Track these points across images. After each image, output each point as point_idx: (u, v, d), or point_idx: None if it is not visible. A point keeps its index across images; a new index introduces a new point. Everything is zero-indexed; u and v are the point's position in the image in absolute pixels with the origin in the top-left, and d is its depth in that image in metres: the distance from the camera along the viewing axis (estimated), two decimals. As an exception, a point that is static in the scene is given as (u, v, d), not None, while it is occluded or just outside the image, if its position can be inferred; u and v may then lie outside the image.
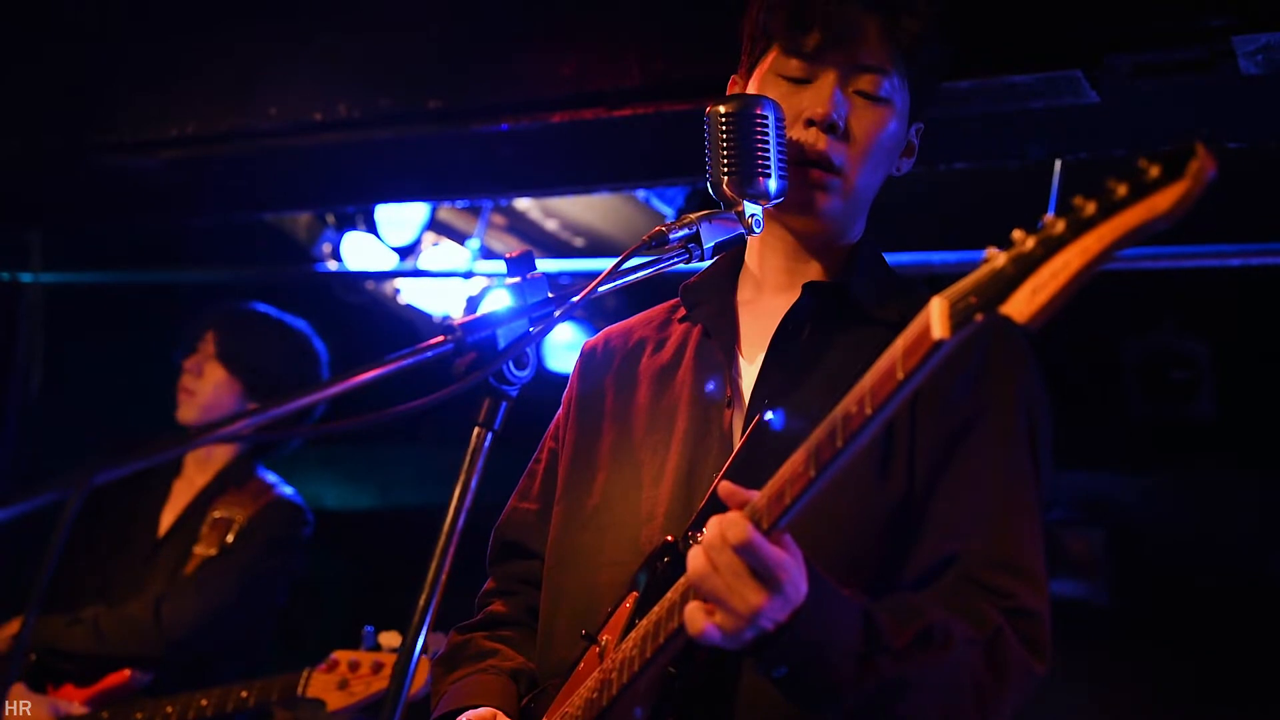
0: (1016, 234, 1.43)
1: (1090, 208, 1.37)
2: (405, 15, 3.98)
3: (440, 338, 1.62)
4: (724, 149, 2.00)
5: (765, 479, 1.85)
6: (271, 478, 4.33)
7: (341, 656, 3.50)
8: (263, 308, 4.48)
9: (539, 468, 2.40)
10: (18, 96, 4.64)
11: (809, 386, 2.08)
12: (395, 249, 5.57)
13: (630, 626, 1.96)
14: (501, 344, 1.63)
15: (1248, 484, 5.51)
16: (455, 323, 1.64)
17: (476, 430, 1.64)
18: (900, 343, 1.54)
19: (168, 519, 4.24)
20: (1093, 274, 1.38)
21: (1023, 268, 1.41)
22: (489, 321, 1.65)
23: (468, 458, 1.64)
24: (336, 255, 5.69)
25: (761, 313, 2.22)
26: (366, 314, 6.22)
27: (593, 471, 2.25)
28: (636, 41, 3.65)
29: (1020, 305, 1.41)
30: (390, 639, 3.50)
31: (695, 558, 1.73)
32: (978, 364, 2.06)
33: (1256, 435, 5.32)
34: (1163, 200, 1.34)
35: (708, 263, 2.11)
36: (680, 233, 1.93)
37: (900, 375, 1.53)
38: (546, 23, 3.82)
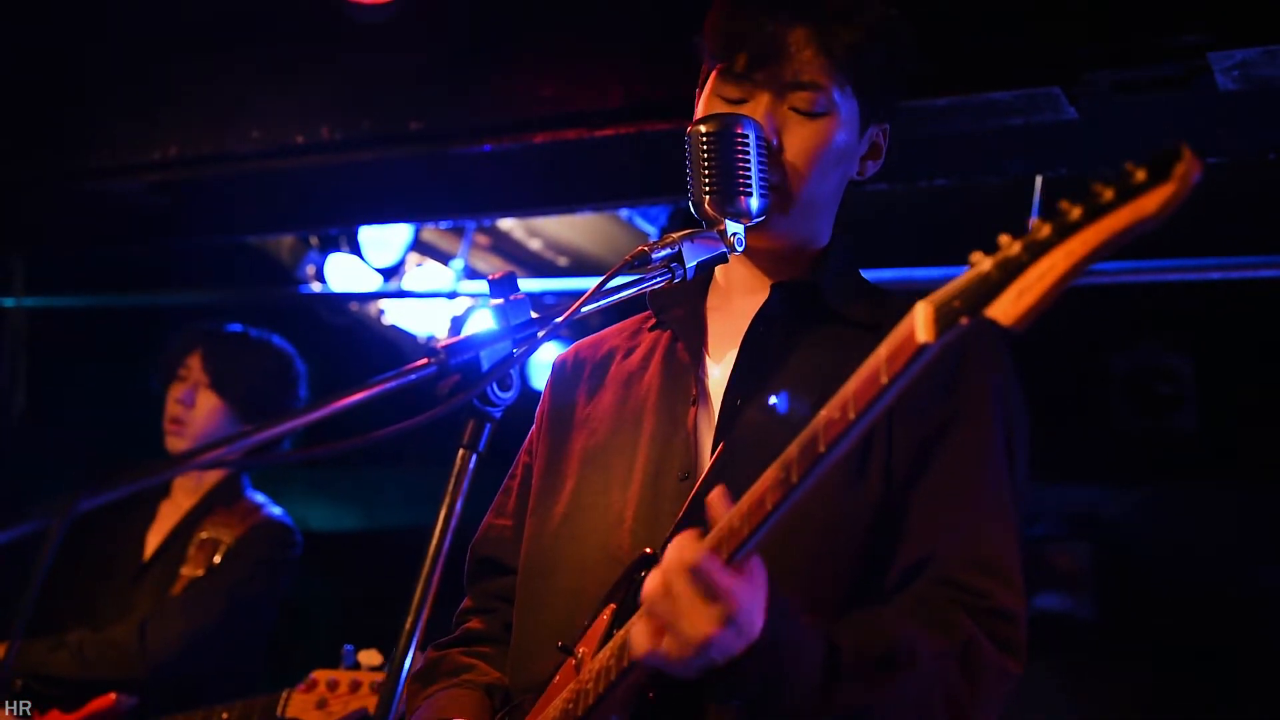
0: (1003, 239, 1.43)
1: (1076, 212, 1.38)
2: (386, 38, 3.99)
3: (424, 360, 1.62)
4: (705, 168, 2.01)
5: (741, 476, 1.86)
6: (260, 498, 4.30)
7: (320, 676, 3.49)
8: (241, 327, 4.44)
9: (514, 484, 2.40)
10: (1, 121, 4.64)
11: (781, 384, 2.09)
12: (379, 270, 5.57)
13: (608, 638, 1.95)
14: (485, 366, 1.63)
15: (1232, 497, 5.52)
16: (439, 345, 1.64)
17: (461, 452, 1.64)
18: (884, 348, 1.54)
19: (154, 541, 4.21)
20: (1079, 276, 1.39)
21: (1008, 271, 1.41)
22: (472, 343, 1.65)
23: (452, 479, 1.64)
24: (320, 277, 5.69)
25: (730, 315, 2.23)
26: (351, 335, 6.21)
27: (562, 480, 2.25)
28: (617, 62, 3.67)
29: (1006, 308, 1.41)
30: (369, 657, 3.49)
31: (651, 579, 1.73)
32: (953, 369, 2.06)
33: (1240, 448, 5.34)
34: (1149, 203, 1.35)
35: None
36: (663, 252, 1.93)
37: (884, 380, 1.53)
38: (527, 45, 3.83)
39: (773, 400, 2.09)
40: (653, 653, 1.72)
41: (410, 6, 3.85)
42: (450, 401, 1.60)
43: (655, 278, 1.91)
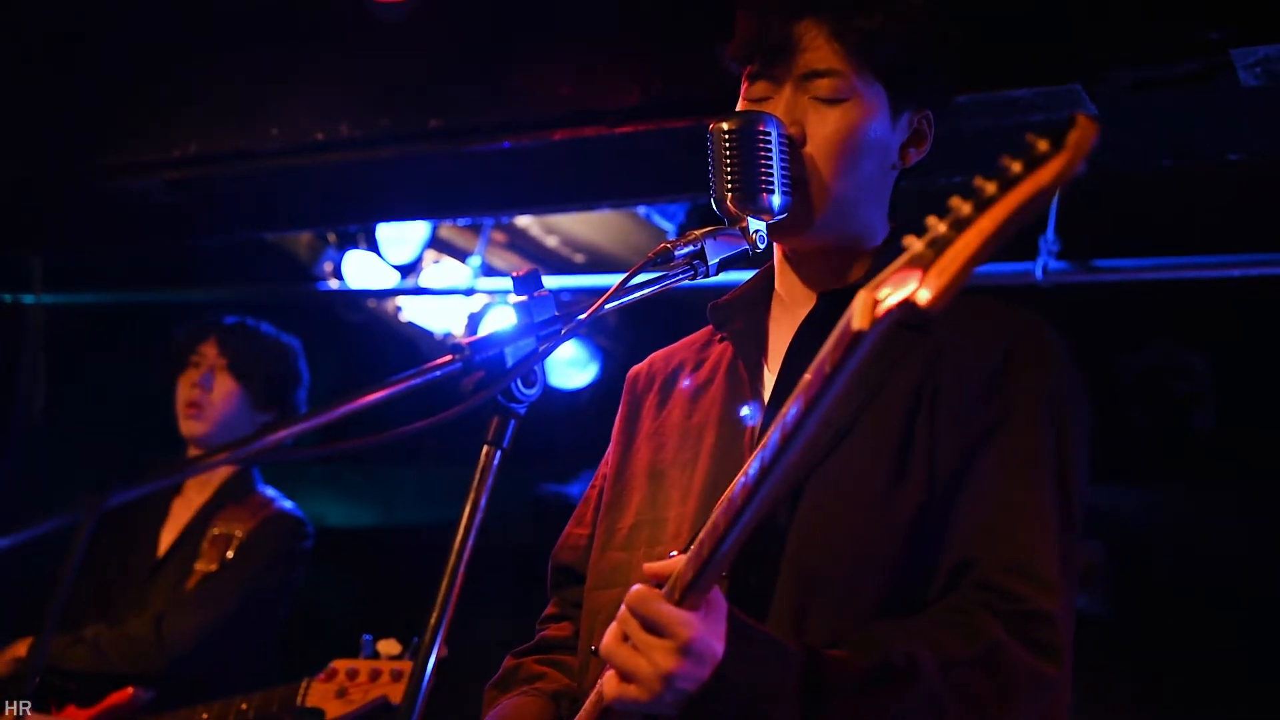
0: (930, 220, 1.43)
1: (990, 188, 1.38)
2: (405, 36, 3.99)
3: (449, 356, 1.62)
4: (727, 165, 2.00)
5: None
6: (271, 492, 4.32)
7: (340, 665, 3.50)
8: (253, 320, 4.48)
9: (593, 494, 2.40)
10: (19, 119, 4.66)
11: None
12: (396, 267, 5.58)
13: None
14: (509, 362, 1.64)
15: (1248, 496, 5.50)
16: (463, 341, 1.64)
17: (485, 448, 1.64)
18: (830, 338, 1.54)
19: (168, 538, 4.23)
20: (992, 251, 1.38)
21: (936, 251, 1.41)
22: (496, 340, 1.65)
23: (477, 475, 1.64)
24: (338, 274, 5.70)
25: (785, 326, 2.22)
26: (368, 332, 6.22)
27: (629, 494, 2.26)
28: (636, 60, 3.67)
29: (926, 290, 1.41)
30: (388, 647, 3.49)
31: (607, 633, 1.79)
32: (1001, 364, 2.03)
33: (1257, 447, 5.31)
34: (1046, 173, 1.35)
35: (713, 279, 2.10)
36: (685, 250, 1.93)
37: (827, 369, 1.53)
38: (546, 42, 3.84)
39: (743, 411, 2.10)
40: (621, 698, 1.76)
41: (429, 4, 3.86)
42: (475, 397, 1.61)
43: (677, 275, 1.91)
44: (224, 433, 4.26)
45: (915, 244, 1.43)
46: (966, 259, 1.38)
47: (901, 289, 1.43)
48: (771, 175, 2.00)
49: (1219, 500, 5.56)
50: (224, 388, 4.27)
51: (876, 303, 1.46)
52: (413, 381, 1.55)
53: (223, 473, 4.27)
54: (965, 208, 1.39)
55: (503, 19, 3.92)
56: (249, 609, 4.09)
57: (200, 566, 4.11)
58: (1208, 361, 5.30)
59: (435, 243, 5.68)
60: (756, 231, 2.01)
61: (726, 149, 2.01)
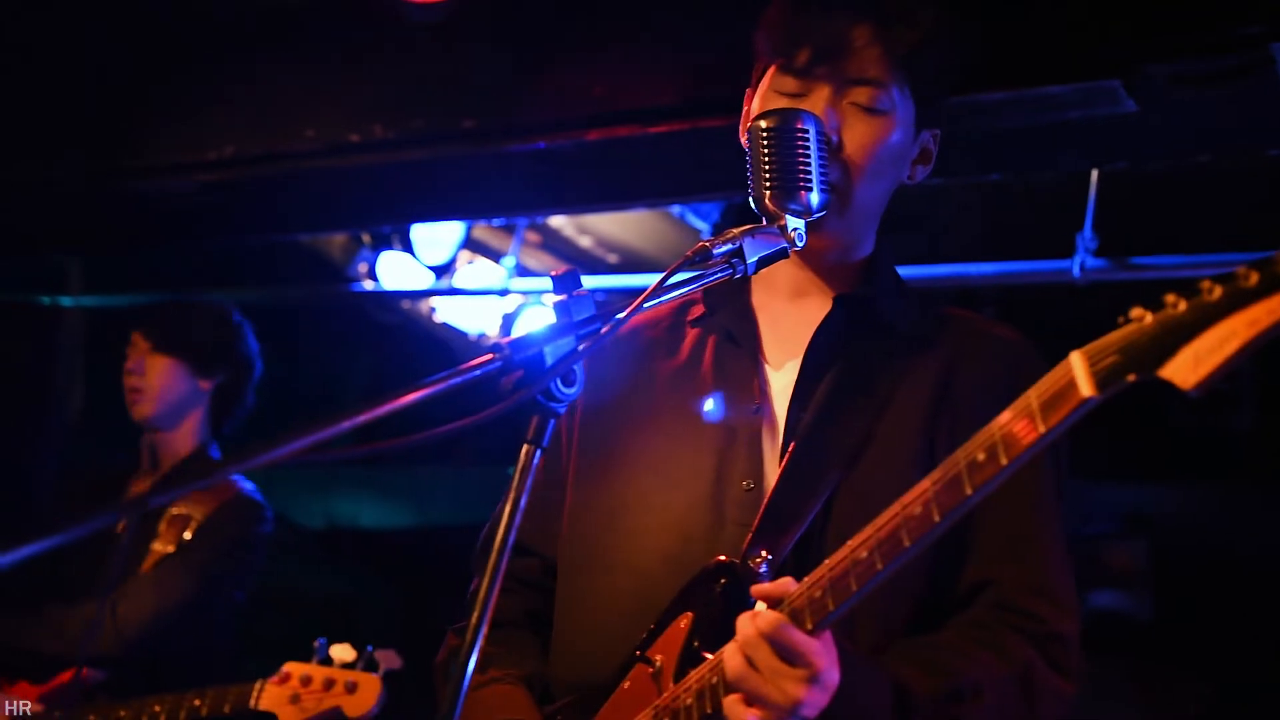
0: (1169, 297, 1.43)
1: (1254, 278, 1.38)
2: (439, 37, 4.00)
3: (489, 355, 1.61)
4: (766, 163, 1.99)
5: (806, 486, 1.90)
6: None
7: (294, 670, 3.43)
8: (175, 296, 4.51)
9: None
10: (56, 122, 4.69)
11: (844, 400, 2.10)
12: (431, 268, 5.60)
13: (688, 649, 1.97)
14: (549, 361, 1.63)
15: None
16: (503, 341, 1.63)
17: (525, 447, 1.63)
18: (1035, 395, 1.57)
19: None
20: (1261, 347, 1.38)
21: (1175, 333, 1.42)
22: (536, 339, 1.64)
23: (516, 474, 1.63)
24: (372, 275, 5.72)
25: (781, 318, 2.22)
26: (402, 333, 6.25)
27: (610, 474, 2.22)
28: (670, 59, 3.67)
29: (1184, 371, 1.41)
30: (342, 653, 3.44)
31: (731, 656, 1.81)
32: (1009, 389, 2.05)
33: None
34: None
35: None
36: (724, 248, 1.91)
37: (1041, 428, 1.56)
38: (580, 42, 3.84)
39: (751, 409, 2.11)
40: None
41: (463, 5, 3.86)
42: (515, 397, 1.60)
43: (716, 273, 1.89)
44: (171, 407, 4.26)
45: (1145, 318, 1.45)
46: (1236, 350, 1.38)
47: (1135, 363, 1.44)
48: (810, 173, 2.00)
49: (1260, 498, 5.52)
50: (156, 366, 4.27)
51: (1097, 369, 1.48)
52: (452, 380, 1.54)
53: (182, 450, 4.27)
54: (1215, 292, 1.40)
55: (536, 19, 3.92)
56: (205, 595, 4.06)
57: (158, 547, 4.08)
58: (1250, 361, 5.26)
59: (469, 243, 5.70)
60: (795, 230, 2.00)
61: (765, 146, 2.00)
